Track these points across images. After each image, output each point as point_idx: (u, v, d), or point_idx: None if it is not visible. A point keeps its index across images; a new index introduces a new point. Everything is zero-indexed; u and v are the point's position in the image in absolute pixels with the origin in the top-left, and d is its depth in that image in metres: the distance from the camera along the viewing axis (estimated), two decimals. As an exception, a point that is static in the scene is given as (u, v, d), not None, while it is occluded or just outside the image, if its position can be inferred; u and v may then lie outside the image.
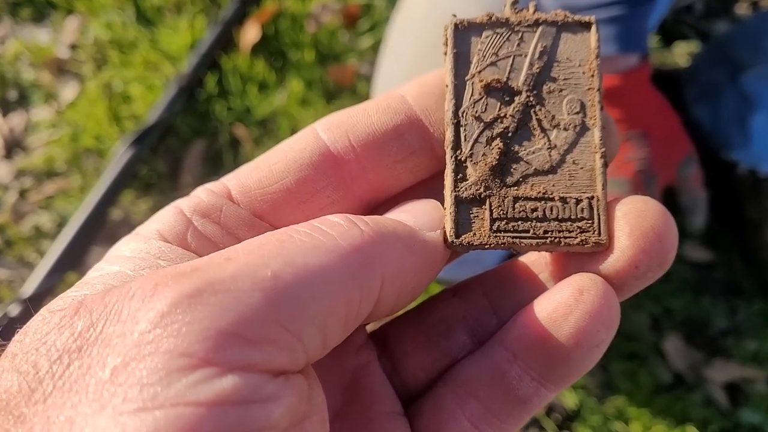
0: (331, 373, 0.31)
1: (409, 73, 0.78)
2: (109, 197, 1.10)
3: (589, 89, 0.30)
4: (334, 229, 0.25)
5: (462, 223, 0.28)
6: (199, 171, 1.14)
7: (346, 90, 1.20)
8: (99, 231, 1.10)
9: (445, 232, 0.29)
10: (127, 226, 1.11)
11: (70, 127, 1.18)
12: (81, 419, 0.20)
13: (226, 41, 1.23)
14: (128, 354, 0.21)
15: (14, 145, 1.19)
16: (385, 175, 0.31)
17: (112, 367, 0.21)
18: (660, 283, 1.13)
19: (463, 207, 0.29)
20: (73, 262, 1.06)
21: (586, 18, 0.31)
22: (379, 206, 0.32)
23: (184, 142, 1.17)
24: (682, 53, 1.38)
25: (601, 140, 0.29)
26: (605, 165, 0.29)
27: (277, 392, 0.22)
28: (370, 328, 0.34)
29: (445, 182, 0.30)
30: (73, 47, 1.27)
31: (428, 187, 0.32)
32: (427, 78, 0.31)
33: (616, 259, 0.28)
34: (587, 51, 0.30)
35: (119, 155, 1.11)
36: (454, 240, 0.28)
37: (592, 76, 0.30)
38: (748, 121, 1.10)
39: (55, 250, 1.04)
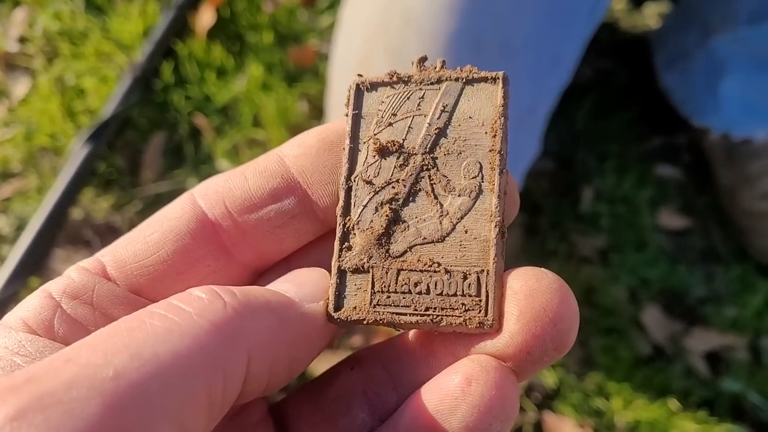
0: None
1: (360, 57, 0.75)
2: (69, 197, 1.06)
3: (490, 151, 0.27)
4: (192, 305, 0.23)
5: (344, 296, 0.26)
6: (159, 164, 1.11)
7: (308, 71, 1.16)
8: (60, 232, 1.06)
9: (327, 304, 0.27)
10: (89, 225, 1.08)
11: (23, 125, 1.14)
12: None
13: (180, 27, 1.18)
14: None
15: (-33, 147, 1.15)
16: (266, 241, 0.29)
17: None
18: (636, 253, 1.12)
19: (347, 278, 0.27)
20: (35, 266, 1.03)
21: (493, 73, 0.28)
22: (266, 273, 0.31)
23: (143, 135, 1.13)
24: (652, 14, 1.34)
25: (497, 208, 0.26)
26: (501, 234, 0.26)
27: None
28: (270, 399, 0.32)
29: (333, 250, 0.28)
30: (22, 40, 1.22)
31: (322, 250, 0.31)
32: (307, 137, 0.29)
33: (506, 344, 0.25)
34: (492, 108, 0.28)
35: (76, 152, 1.07)
36: (333, 313, 0.26)
37: (494, 136, 0.28)
38: (719, 86, 1.08)
39: (15, 254, 1.00)
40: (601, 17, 0.87)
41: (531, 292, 0.25)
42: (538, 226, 1.12)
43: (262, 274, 0.31)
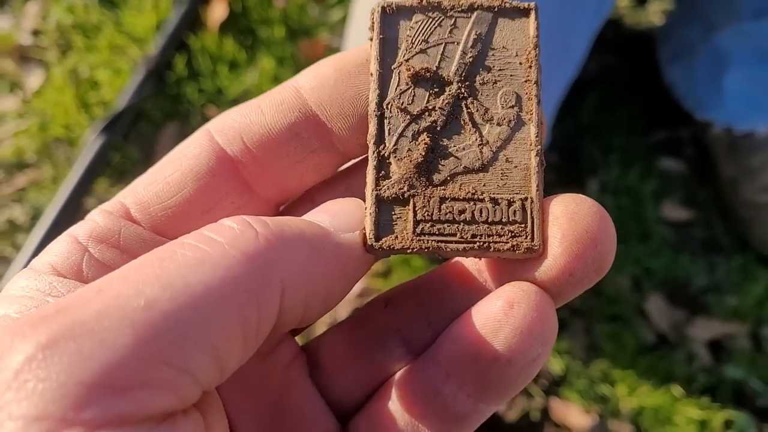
0: (255, 390, 0.29)
1: None
2: (83, 186, 1.08)
3: (526, 81, 0.28)
4: (224, 235, 0.23)
5: (383, 225, 0.26)
6: (173, 155, 1.13)
7: (319, 65, 1.18)
8: (74, 221, 1.08)
9: (364, 235, 0.26)
10: (103, 214, 1.09)
11: (37, 117, 1.16)
12: None
13: (192, 21, 1.20)
14: None
15: (-19, 138, 1.16)
16: (287, 176, 0.29)
17: None
18: (640, 243, 1.14)
19: (385, 207, 0.26)
20: (50, 254, 1.04)
21: (525, 4, 0.28)
22: (288, 208, 0.31)
23: (156, 126, 1.15)
24: (656, 11, 1.37)
25: (536, 137, 0.27)
26: (541, 164, 0.27)
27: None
28: (302, 340, 0.32)
29: (366, 179, 0.27)
30: (36, 33, 1.24)
31: (345, 184, 0.31)
32: (324, 67, 0.29)
33: (549, 267, 0.26)
34: (525, 39, 0.28)
35: (90, 143, 1.09)
36: (374, 243, 0.26)
37: (530, 66, 0.28)
38: (723, 80, 1.10)
39: (30, 243, 1.02)
40: (607, 13, 0.89)
41: (572, 216, 0.26)
42: (545, 216, 1.14)
43: (284, 210, 0.31)
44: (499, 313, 0.25)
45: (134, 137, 1.15)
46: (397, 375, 0.29)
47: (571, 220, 0.26)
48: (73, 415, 0.18)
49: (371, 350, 0.29)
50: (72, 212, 1.07)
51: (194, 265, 0.21)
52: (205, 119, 1.15)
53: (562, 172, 1.18)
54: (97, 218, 0.28)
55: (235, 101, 1.15)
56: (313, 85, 0.28)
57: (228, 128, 0.28)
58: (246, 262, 0.22)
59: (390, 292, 0.30)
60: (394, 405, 0.28)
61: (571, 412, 1.03)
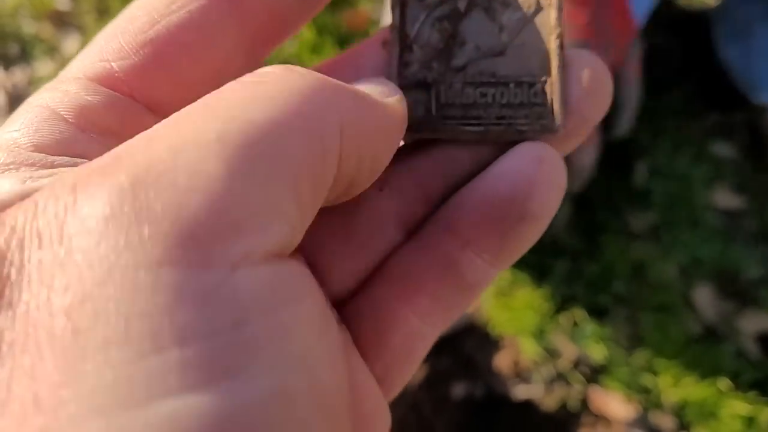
0: None
1: None
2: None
3: None
4: (273, 76, 0.20)
5: (409, 108, 0.25)
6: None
7: (359, 35, 1.15)
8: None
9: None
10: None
11: (74, 82, 1.14)
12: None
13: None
14: (84, 286, 0.15)
15: (18, 101, 1.15)
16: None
17: (67, 307, 0.15)
18: (689, 230, 1.10)
19: (408, 92, 0.26)
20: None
21: None
22: None
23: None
24: (711, -9, 1.31)
25: (557, 20, 0.26)
26: (561, 47, 0.26)
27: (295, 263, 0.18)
28: None
29: (390, 65, 0.27)
30: (74, -2, 1.22)
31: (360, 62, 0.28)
32: None
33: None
34: None
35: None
36: None
37: None
38: (785, 61, 1.05)
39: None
40: None
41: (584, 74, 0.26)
42: (590, 199, 1.10)
43: None
44: (530, 170, 0.24)
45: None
46: (399, 253, 0.27)
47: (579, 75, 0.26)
48: (207, 256, 0.15)
49: (366, 238, 0.27)
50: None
51: (252, 104, 0.18)
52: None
53: (609, 153, 1.14)
54: (75, 88, 0.23)
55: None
56: None
57: None
58: (305, 101, 0.19)
59: (385, 176, 0.27)
60: (402, 283, 0.26)
61: (612, 402, 0.99)
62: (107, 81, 0.23)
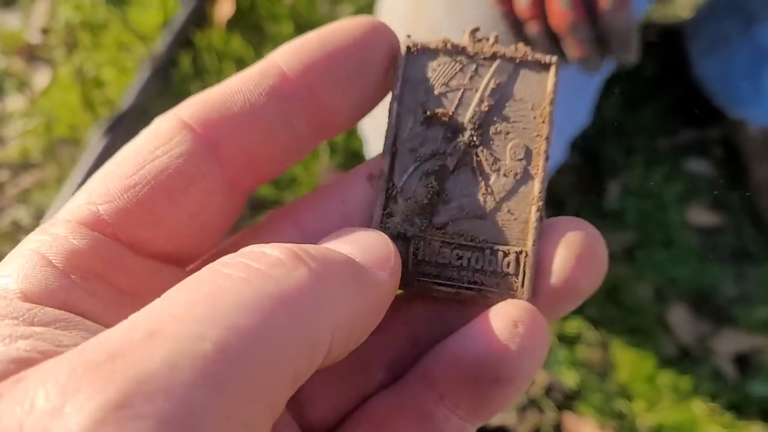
0: None
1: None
2: (86, 188, 1.06)
3: (537, 136, 0.28)
4: (274, 270, 0.20)
5: None
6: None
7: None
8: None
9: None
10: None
11: (44, 116, 1.15)
12: None
13: (199, 17, 1.17)
14: None
15: (-11, 137, 1.15)
16: (261, 151, 0.27)
17: None
18: (663, 250, 1.08)
19: None
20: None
21: (547, 58, 0.28)
22: (273, 221, 0.29)
23: (161, 126, 1.13)
24: (685, 5, 1.30)
25: (540, 192, 0.27)
26: (540, 219, 0.27)
27: None
28: None
29: (373, 213, 0.28)
30: (44, 31, 1.22)
31: (345, 196, 0.29)
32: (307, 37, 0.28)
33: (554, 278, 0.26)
34: (542, 93, 0.28)
35: (94, 143, 1.07)
36: None
37: (543, 122, 0.28)
38: (763, 76, 1.02)
39: (33, 245, 1.01)
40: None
41: (572, 237, 0.27)
42: (561, 221, 1.09)
43: (264, 224, 0.29)
44: (504, 333, 0.24)
45: (139, 137, 1.13)
46: (379, 398, 0.27)
47: (570, 240, 0.26)
48: None
49: (352, 374, 0.27)
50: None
51: (250, 301, 0.19)
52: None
53: (582, 174, 1.13)
54: (64, 232, 0.24)
55: (242, 100, 1.12)
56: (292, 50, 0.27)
57: (197, 105, 0.27)
58: (301, 300, 0.19)
59: None
60: (378, 429, 0.26)
61: (586, 427, 0.98)
62: (94, 224, 0.25)
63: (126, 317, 0.19)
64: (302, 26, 1.18)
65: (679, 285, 1.08)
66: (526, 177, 0.28)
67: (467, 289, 0.27)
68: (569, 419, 0.98)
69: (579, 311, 1.04)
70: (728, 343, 1.04)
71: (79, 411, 0.16)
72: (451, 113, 0.28)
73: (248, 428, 0.17)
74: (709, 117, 1.16)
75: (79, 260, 0.24)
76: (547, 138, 0.28)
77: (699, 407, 0.99)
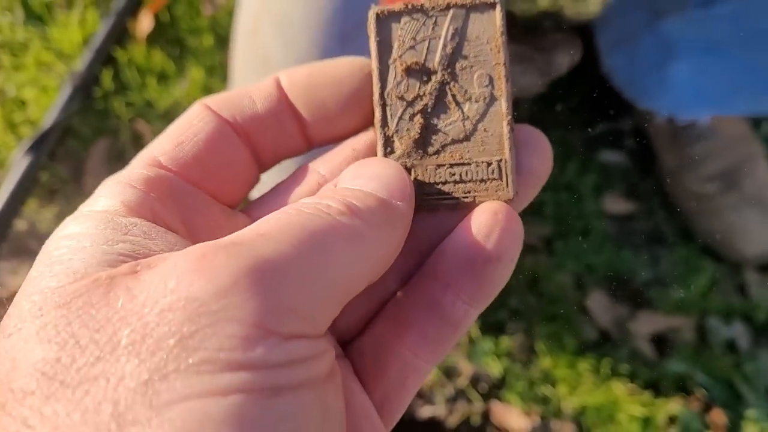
0: None
1: (250, 27, 0.77)
2: (12, 208, 1.06)
3: (496, 64, 0.33)
4: (341, 217, 0.26)
5: None
6: (103, 172, 1.11)
7: (248, 73, 1.16)
8: (4, 244, 1.06)
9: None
10: (34, 237, 1.08)
11: (-34, 139, 1.14)
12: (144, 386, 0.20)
13: (120, 34, 1.18)
14: (192, 324, 0.20)
15: None
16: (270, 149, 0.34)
17: (177, 338, 0.20)
18: (581, 239, 1.13)
19: None
20: (-20, 278, 1.03)
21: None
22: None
23: (85, 143, 1.13)
24: (596, 1, 1.35)
25: (507, 109, 0.32)
26: (512, 130, 0.33)
27: (326, 348, 0.24)
28: None
29: (376, 154, 0.33)
30: (-36, 54, 1.22)
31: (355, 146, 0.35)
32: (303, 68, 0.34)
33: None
34: (493, 29, 0.33)
35: (17, 163, 1.07)
36: None
37: (498, 51, 0.33)
38: (668, 69, 1.07)
39: (-41, 268, 1.01)
40: None
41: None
42: (482, 217, 1.12)
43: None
44: (489, 220, 0.30)
45: (63, 155, 1.13)
46: (394, 299, 0.33)
47: (534, 144, 0.34)
48: (277, 329, 0.21)
49: (372, 288, 0.32)
50: (1, 235, 1.05)
51: (325, 231, 0.25)
52: (135, 134, 1.13)
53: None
54: (138, 169, 0.30)
55: (166, 113, 1.13)
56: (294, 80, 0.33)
57: (224, 102, 0.33)
58: (357, 241, 0.25)
59: None
60: (396, 323, 0.31)
61: (512, 414, 1.01)
62: (159, 166, 0.31)
63: (201, 235, 0.29)
64: (223, 39, 1.19)
65: (597, 272, 1.12)
66: (493, 99, 0.33)
67: (464, 198, 0.32)
68: (496, 407, 1.02)
69: (502, 303, 1.07)
70: (645, 325, 1.09)
71: (219, 271, 0.21)
72: (422, 61, 0.33)
73: (327, 314, 0.24)
74: (620, 109, 1.21)
75: (155, 186, 0.29)
76: (504, 64, 0.33)
77: (619, 388, 1.03)
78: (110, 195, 0.28)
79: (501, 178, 0.32)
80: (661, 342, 1.09)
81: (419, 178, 0.33)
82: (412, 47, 0.34)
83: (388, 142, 0.33)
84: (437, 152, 0.33)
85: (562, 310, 1.08)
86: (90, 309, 0.21)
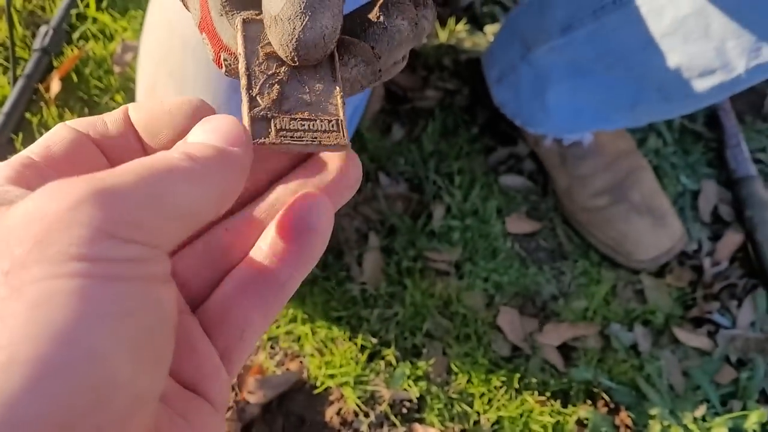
0: None
1: (149, 83, 0.82)
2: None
3: (331, 56, 0.41)
4: (184, 162, 0.30)
5: (257, 132, 0.39)
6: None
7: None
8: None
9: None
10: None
11: None
12: None
13: (30, 97, 1.21)
14: (49, 229, 0.24)
15: None
16: None
17: (37, 239, 0.24)
18: (489, 261, 1.19)
19: (256, 123, 0.39)
20: None
21: None
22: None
23: None
24: (493, 33, 1.43)
25: (339, 87, 0.41)
26: (344, 102, 0.41)
27: (162, 258, 0.28)
28: None
29: (242, 109, 0.39)
30: None
31: None
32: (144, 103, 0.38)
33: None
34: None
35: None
36: (253, 141, 0.38)
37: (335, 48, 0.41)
38: (545, 96, 1.15)
39: None
40: None
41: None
42: (394, 247, 1.18)
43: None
44: (309, 197, 0.37)
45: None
46: (235, 269, 0.38)
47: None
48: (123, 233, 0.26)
49: (216, 257, 0.38)
50: None
51: (166, 170, 0.29)
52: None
53: (409, 201, 1.23)
54: (17, 158, 0.33)
55: (81, 172, 1.16)
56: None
57: (81, 122, 0.36)
58: (196, 175, 0.30)
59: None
60: (236, 285, 0.37)
61: (433, 434, 1.07)
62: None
63: None
64: (134, 94, 1.23)
65: (506, 290, 1.19)
66: (332, 79, 0.41)
67: (312, 141, 0.40)
68: (417, 429, 1.07)
69: (418, 327, 1.13)
70: (552, 337, 1.16)
71: (70, 193, 0.25)
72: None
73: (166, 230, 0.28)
74: (515, 136, 1.29)
75: (30, 167, 0.32)
76: (336, 60, 0.41)
77: (531, 399, 1.10)
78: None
79: (339, 131, 0.41)
80: (569, 351, 1.16)
81: (278, 125, 0.40)
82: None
83: (252, 101, 0.40)
84: (291, 110, 0.41)
85: (475, 329, 1.14)
86: None
